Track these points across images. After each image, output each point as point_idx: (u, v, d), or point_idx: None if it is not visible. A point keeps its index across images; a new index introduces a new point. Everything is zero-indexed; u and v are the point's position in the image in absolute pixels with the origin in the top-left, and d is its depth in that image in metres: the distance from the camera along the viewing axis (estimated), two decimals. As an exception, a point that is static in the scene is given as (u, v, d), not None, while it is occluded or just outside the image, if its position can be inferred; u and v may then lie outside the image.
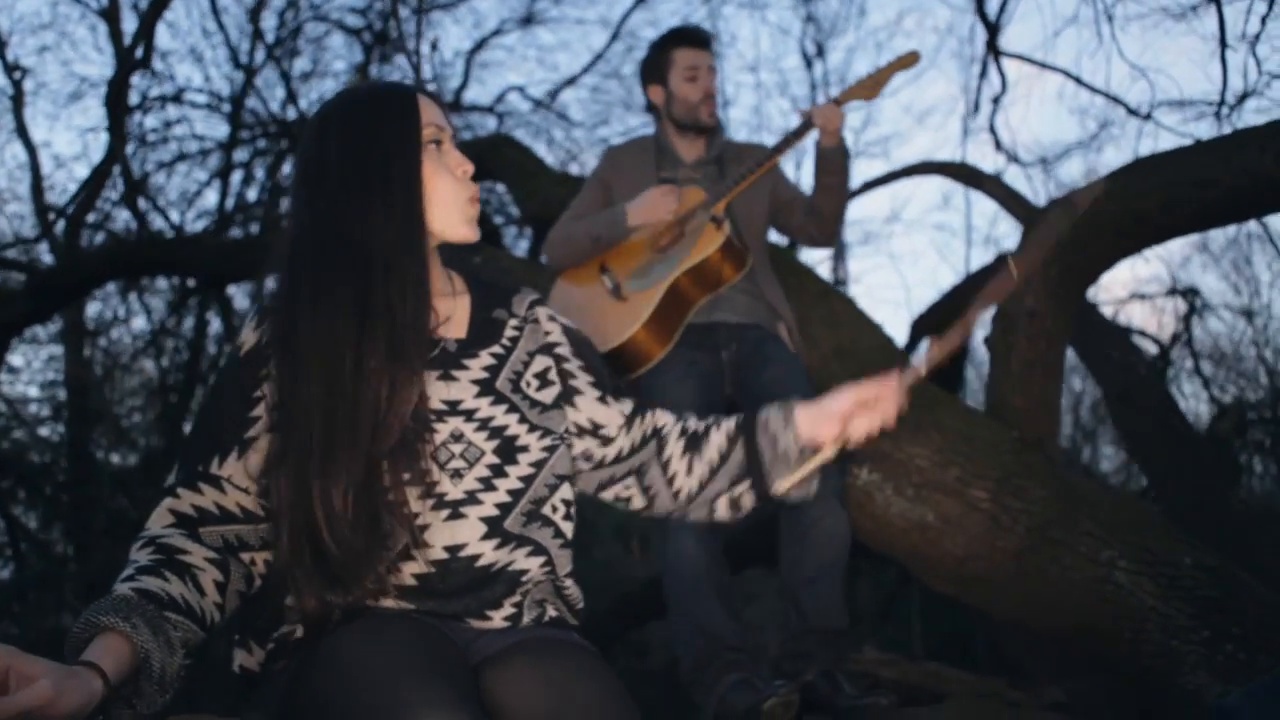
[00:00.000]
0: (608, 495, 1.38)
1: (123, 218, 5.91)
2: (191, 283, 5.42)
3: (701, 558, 2.10)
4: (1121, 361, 3.69)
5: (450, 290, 1.30)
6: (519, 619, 1.18)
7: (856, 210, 13.94)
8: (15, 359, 5.94)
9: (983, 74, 5.39)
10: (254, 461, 1.13)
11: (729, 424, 1.34)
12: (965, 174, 3.51)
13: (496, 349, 1.28)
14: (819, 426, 1.28)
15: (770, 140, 2.42)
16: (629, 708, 1.05)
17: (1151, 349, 7.52)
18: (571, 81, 7.20)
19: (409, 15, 6.42)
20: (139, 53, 3.85)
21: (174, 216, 6.23)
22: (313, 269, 1.16)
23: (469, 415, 1.21)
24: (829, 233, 2.47)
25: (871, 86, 2.25)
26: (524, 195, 4.53)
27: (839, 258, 11.04)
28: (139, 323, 6.95)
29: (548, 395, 1.29)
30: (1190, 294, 7.38)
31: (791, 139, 2.32)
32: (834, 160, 2.33)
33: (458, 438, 1.19)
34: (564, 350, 1.34)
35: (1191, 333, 7.40)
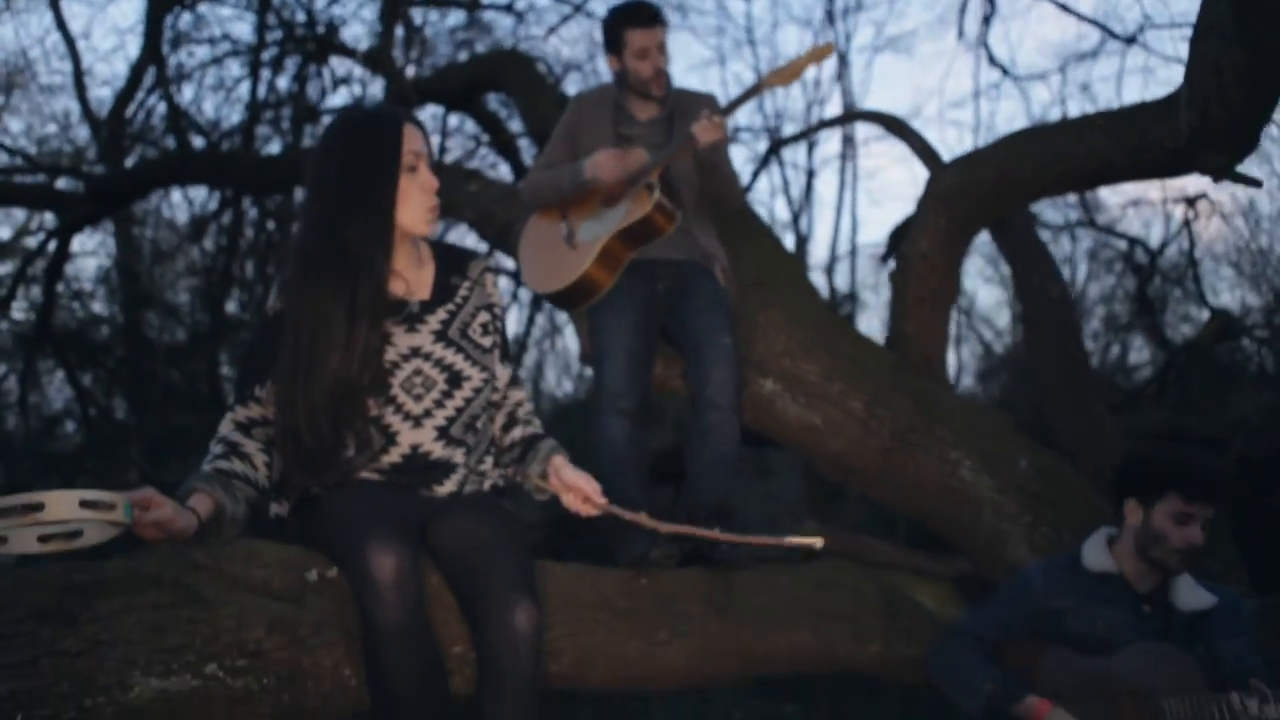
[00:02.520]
0: None
1: (160, 111, 6.40)
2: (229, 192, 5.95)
3: (626, 447, 2.69)
4: (1039, 285, 4.16)
5: (419, 261, 1.86)
6: (459, 493, 1.81)
7: (877, 102, 14.06)
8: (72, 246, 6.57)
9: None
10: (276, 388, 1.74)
11: (527, 430, 1.94)
12: (887, 122, 3.90)
13: (451, 305, 1.86)
14: (553, 477, 1.85)
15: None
16: (522, 544, 1.68)
17: (1142, 256, 7.86)
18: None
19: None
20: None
21: (209, 107, 6.70)
22: (311, 257, 1.72)
23: (427, 357, 1.81)
24: (723, 206, 2.89)
25: (788, 75, 2.65)
26: (527, 110, 4.99)
27: (848, 157, 11.29)
28: (182, 213, 7.54)
29: (487, 341, 1.88)
30: (1193, 201, 7.65)
31: (682, 144, 2.68)
32: (705, 161, 2.74)
33: (418, 373, 1.79)
34: (499, 312, 1.92)
35: (1193, 239, 7.72)
